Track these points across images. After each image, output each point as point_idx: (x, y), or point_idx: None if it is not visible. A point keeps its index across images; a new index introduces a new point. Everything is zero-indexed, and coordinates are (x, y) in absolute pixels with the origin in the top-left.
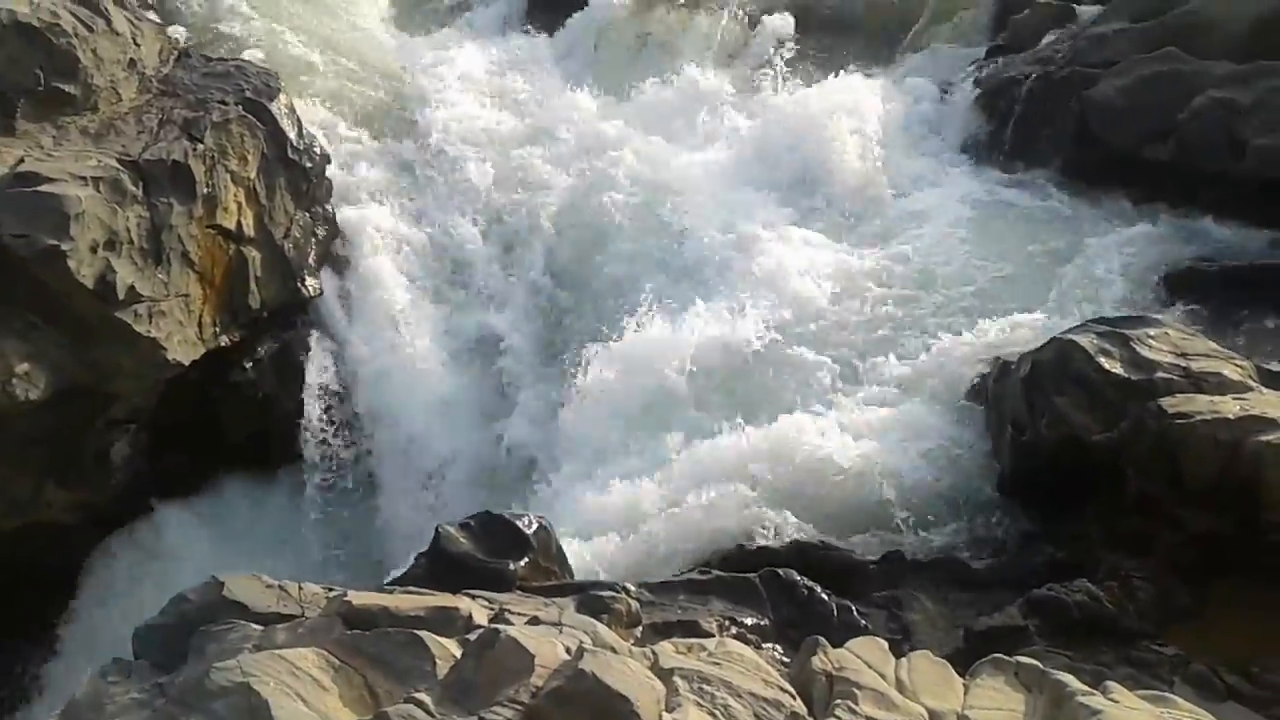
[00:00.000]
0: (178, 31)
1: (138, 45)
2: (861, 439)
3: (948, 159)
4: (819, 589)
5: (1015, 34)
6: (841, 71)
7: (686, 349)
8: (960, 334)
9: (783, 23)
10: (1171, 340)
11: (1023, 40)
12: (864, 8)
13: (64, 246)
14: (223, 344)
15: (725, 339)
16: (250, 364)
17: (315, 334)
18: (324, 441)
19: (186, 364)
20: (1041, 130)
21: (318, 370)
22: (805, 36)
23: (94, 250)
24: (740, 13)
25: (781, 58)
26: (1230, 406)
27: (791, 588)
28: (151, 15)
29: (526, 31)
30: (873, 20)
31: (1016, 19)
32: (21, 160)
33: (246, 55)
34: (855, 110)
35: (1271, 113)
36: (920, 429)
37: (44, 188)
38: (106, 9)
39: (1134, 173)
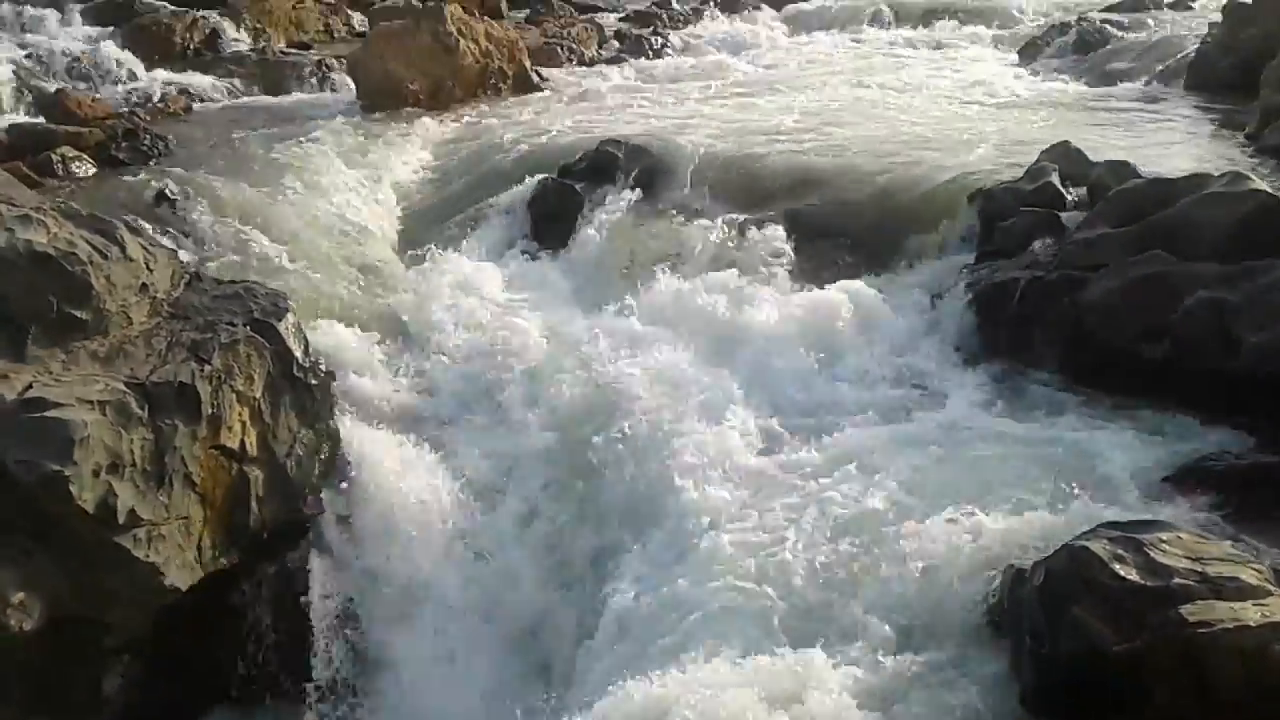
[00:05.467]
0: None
1: (150, 270)
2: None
3: (944, 361)
4: None
5: (1003, 240)
6: (832, 279)
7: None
8: (965, 537)
9: (772, 233)
10: (1185, 544)
11: (1010, 246)
12: (850, 217)
13: (66, 471)
14: (221, 567)
15: None
16: (249, 587)
17: (315, 554)
18: (328, 665)
19: (184, 589)
20: (1036, 332)
21: (319, 593)
22: (794, 245)
23: (96, 474)
24: (732, 223)
25: (772, 266)
26: (1252, 614)
27: None
28: (165, 240)
29: (529, 251)
30: (859, 229)
31: (1003, 225)
32: (30, 386)
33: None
34: (847, 315)
35: (1263, 310)
36: (932, 641)
37: (50, 413)
38: (122, 237)
39: (1132, 372)
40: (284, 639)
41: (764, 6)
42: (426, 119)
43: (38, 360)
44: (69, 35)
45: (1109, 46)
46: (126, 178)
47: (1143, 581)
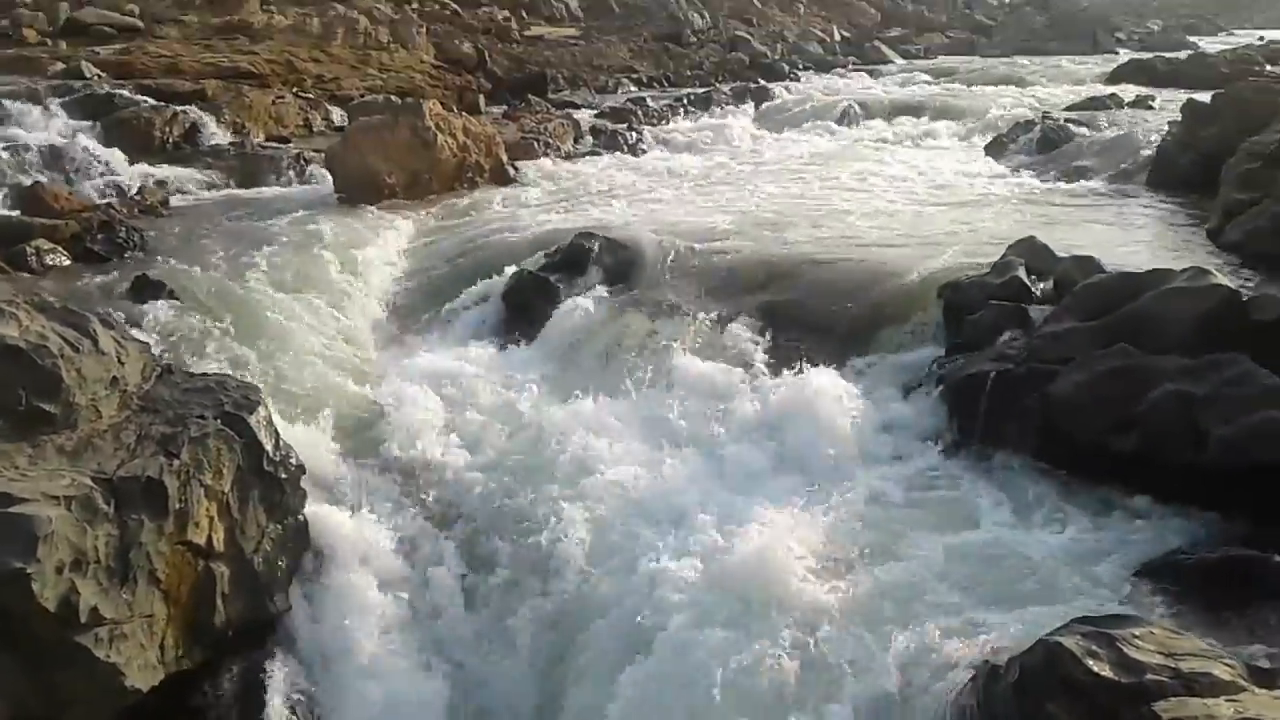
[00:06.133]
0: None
1: (121, 364)
2: None
3: (917, 453)
4: None
5: (972, 333)
6: (807, 370)
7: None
8: (937, 631)
9: (746, 326)
10: (1158, 639)
11: (979, 339)
12: (824, 310)
13: (29, 569)
14: (184, 667)
15: None
16: (212, 688)
17: (281, 654)
18: None
19: (145, 690)
20: (1007, 425)
21: (284, 695)
22: (770, 337)
23: (59, 571)
24: (709, 315)
25: (747, 359)
26: (1224, 710)
27: None
28: (137, 333)
29: (503, 340)
30: (832, 321)
31: (971, 319)
32: None
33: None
34: (822, 406)
35: (1228, 403)
36: None
37: (14, 509)
38: (94, 330)
39: (1102, 464)
40: None
41: (737, 104)
42: (403, 211)
43: (4, 454)
44: (49, 129)
45: (1072, 144)
46: (102, 271)
47: (1116, 678)
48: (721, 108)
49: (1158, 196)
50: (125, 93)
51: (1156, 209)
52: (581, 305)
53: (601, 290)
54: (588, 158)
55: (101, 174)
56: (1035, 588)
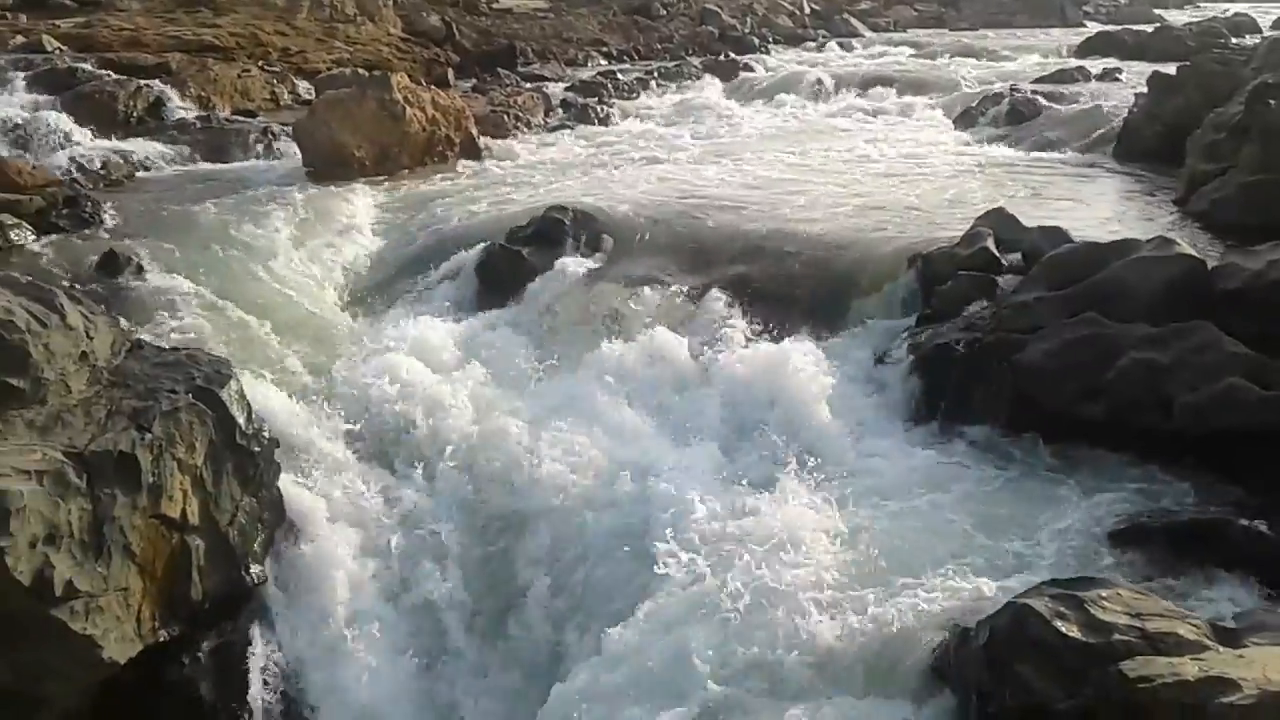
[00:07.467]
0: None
1: (90, 339)
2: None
3: (888, 421)
4: None
5: (942, 303)
6: (781, 340)
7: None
8: (911, 595)
9: (720, 297)
10: (1124, 600)
11: (949, 309)
12: (796, 281)
13: (2, 543)
14: (160, 639)
15: None
16: (189, 660)
17: (259, 627)
18: None
19: (122, 663)
20: (976, 393)
21: (261, 667)
22: (744, 308)
23: (33, 546)
24: (684, 287)
25: (721, 329)
26: (1189, 668)
27: None
28: (105, 308)
29: (477, 313)
30: (805, 293)
31: (941, 290)
32: None
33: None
34: (795, 376)
35: (1192, 371)
36: (881, 698)
37: None
38: (62, 304)
39: (1070, 431)
40: (224, 713)
41: (707, 76)
42: (372, 185)
43: None
44: (11, 103)
45: (1041, 116)
46: (67, 245)
47: (1084, 639)
48: (692, 81)
49: (1124, 167)
50: (88, 66)
51: (1123, 180)
52: (554, 279)
53: (575, 263)
54: (558, 131)
55: (65, 148)
56: (1003, 552)
